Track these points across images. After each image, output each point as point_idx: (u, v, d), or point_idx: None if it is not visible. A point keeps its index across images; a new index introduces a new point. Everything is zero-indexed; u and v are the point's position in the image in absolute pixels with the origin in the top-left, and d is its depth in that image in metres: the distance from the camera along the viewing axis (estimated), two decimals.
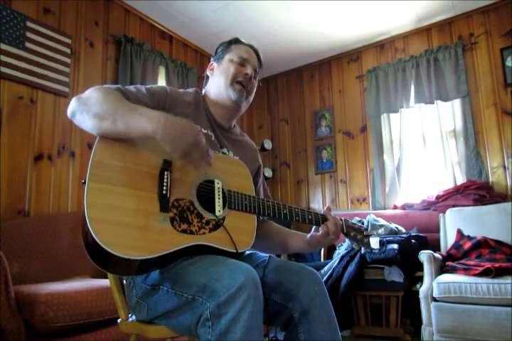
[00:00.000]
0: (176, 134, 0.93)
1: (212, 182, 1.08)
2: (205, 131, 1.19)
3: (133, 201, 0.93)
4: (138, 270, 0.96)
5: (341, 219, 1.21)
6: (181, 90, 1.24)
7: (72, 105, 1.00)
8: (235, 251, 1.01)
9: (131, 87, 1.12)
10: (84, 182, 0.89)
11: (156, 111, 0.98)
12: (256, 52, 1.30)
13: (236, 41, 1.30)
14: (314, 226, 1.19)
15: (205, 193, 1.06)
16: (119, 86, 1.08)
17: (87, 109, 0.97)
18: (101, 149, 0.96)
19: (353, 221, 1.27)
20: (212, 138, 1.21)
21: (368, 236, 1.24)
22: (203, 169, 1.03)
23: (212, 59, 1.31)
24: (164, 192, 0.97)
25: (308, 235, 1.19)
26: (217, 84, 1.25)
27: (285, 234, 1.27)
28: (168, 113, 1.10)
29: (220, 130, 1.26)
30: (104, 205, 0.89)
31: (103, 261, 0.90)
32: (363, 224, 2.92)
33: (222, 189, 1.08)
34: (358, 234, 1.23)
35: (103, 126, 0.95)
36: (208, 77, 1.31)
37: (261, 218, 1.26)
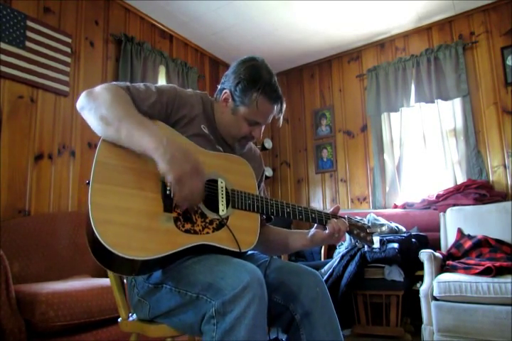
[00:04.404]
0: (176, 155, 0.91)
1: (216, 181, 1.07)
2: (212, 138, 1.16)
3: (137, 201, 0.93)
4: (140, 270, 0.96)
5: (344, 217, 1.20)
6: (190, 90, 1.21)
7: (82, 100, 1.00)
8: (238, 250, 1.01)
9: (141, 85, 1.10)
10: (89, 183, 0.89)
11: (162, 130, 0.96)
12: (282, 103, 1.17)
13: (265, 93, 1.12)
14: (316, 224, 1.18)
15: (209, 193, 1.05)
16: (128, 84, 1.07)
17: (94, 108, 0.97)
18: (104, 149, 0.96)
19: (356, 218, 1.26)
20: (217, 146, 1.18)
21: (371, 233, 1.23)
22: (187, 205, 0.97)
23: (232, 84, 1.15)
24: (168, 192, 0.97)
25: (311, 232, 1.18)
26: (226, 124, 1.19)
27: (285, 234, 1.26)
28: (176, 113, 1.09)
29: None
30: (108, 206, 0.89)
31: (107, 261, 0.91)
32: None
33: (226, 188, 1.08)
34: (361, 231, 1.21)
35: (107, 133, 0.96)
36: (220, 93, 1.20)
37: (263, 217, 1.25)
